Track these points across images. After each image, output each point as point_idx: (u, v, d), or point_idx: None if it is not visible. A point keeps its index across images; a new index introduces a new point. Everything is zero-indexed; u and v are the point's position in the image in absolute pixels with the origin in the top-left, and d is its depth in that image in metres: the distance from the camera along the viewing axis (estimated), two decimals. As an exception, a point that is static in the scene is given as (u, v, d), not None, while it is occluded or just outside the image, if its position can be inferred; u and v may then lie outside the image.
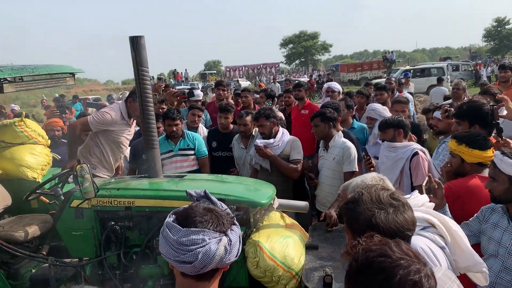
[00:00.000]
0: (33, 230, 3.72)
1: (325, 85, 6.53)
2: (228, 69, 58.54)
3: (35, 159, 4.24)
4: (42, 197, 3.53)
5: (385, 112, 4.76)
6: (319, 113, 4.14)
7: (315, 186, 4.26)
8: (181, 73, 47.78)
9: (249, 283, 3.23)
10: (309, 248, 3.34)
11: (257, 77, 50.81)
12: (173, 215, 1.55)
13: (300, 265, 3.10)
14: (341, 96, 6.05)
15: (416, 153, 3.72)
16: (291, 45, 72.39)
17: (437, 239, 1.96)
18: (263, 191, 3.39)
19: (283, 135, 4.49)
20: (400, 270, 1.16)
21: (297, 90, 6.05)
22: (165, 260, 3.21)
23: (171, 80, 44.23)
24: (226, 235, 1.49)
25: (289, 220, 3.58)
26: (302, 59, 71.56)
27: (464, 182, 2.90)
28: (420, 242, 1.86)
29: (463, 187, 2.86)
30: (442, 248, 1.92)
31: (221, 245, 1.46)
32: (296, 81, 7.19)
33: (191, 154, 4.88)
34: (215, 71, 56.82)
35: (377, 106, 4.99)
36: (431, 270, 1.25)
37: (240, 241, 1.58)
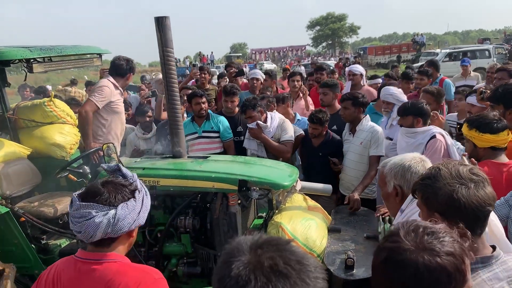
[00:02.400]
0: (62, 207, 3.83)
1: (347, 69, 6.42)
2: (253, 52, 58.28)
3: (64, 138, 4.34)
4: (70, 175, 3.61)
5: (403, 96, 4.63)
6: (351, 96, 4.07)
7: (339, 171, 4.22)
8: (207, 55, 47.79)
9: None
10: (331, 231, 3.33)
11: (283, 59, 50.39)
12: (77, 192, 1.72)
13: (322, 247, 3.10)
14: (364, 78, 5.92)
15: (433, 136, 3.61)
16: (318, 27, 71.27)
17: None
18: (286, 173, 3.39)
19: (272, 120, 4.48)
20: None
21: (318, 73, 5.96)
22: (188, 239, 3.33)
23: (197, 62, 44.32)
24: (115, 208, 1.63)
25: (312, 202, 3.57)
26: (329, 42, 70.43)
27: None
28: None
29: None
30: None
31: (105, 219, 1.61)
32: (318, 64, 7.03)
33: (215, 137, 4.86)
34: (240, 54, 56.63)
35: (394, 90, 4.82)
36: None
37: (140, 212, 1.71)
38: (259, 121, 4.32)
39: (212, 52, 49.23)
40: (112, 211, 1.62)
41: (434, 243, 1.13)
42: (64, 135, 4.36)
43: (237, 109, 5.11)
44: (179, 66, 43.42)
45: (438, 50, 34.19)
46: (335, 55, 52.29)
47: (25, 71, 3.21)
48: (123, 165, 3.21)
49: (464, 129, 2.92)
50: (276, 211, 3.39)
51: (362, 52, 41.53)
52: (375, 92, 5.78)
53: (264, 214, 3.70)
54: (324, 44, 71.71)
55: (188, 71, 34.55)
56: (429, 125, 3.68)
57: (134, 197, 1.71)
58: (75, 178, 3.62)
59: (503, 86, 3.43)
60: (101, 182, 1.71)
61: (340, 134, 4.40)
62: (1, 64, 3.93)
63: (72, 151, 4.41)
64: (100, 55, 4.08)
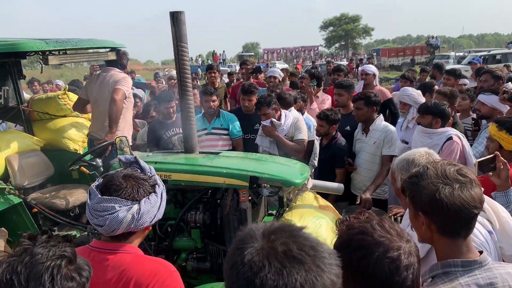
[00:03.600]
0: (74, 199, 3.86)
1: (360, 68, 6.39)
2: (266, 52, 58.22)
3: (77, 131, 4.39)
4: (82, 167, 3.64)
5: (420, 97, 4.58)
6: (364, 96, 4.03)
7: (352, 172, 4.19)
8: (219, 54, 47.89)
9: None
10: (342, 230, 3.31)
11: (295, 59, 50.27)
12: (101, 179, 1.70)
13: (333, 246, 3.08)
14: (376, 78, 5.87)
15: (450, 138, 3.58)
16: (331, 28, 71.01)
17: (486, 222, 1.92)
18: (297, 171, 3.37)
19: (286, 118, 4.45)
20: (379, 247, 1.20)
21: (336, 74, 5.93)
22: (198, 234, 3.33)
23: (209, 61, 44.45)
24: (138, 202, 1.62)
25: (323, 201, 3.54)
26: (342, 43, 70.12)
27: None
28: None
29: None
30: (490, 232, 1.87)
31: (129, 214, 1.60)
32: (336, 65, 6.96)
33: (224, 134, 4.85)
34: (253, 53, 56.66)
35: (412, 91, 4.76)
36: (415, 247, 1.27)
37: (159, 208, 1.71)
38: (273, 119, 4.31)
39: (224, 51, 49.28)
40: (136, 206, 1.61)
41: None
42: (77, 128, 4.41)
43: (255, 108, 5.08)
44: (191, 64, 43.65)
45: (452, 53, 33.92)
46: (348, 56, 52.03)
47: (40, 63, 3.23)
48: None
49: (492, 128, 2.87)
50: (287, 208, 3.38)
51: (375, 54, 41.24)
52: (388, 92, 5.74)
53: (274, 211, 3.68)
54: (337, 45, 71.41)
55: (200, 69, 34.69)
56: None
57: (155, 191, 1.70)
58: (87, 171, 3.64)
59: None
60: (122, 175, 1.68)
61: (353, 135, 4.36)
62: (16, 56, 3.98)
63: (85, 144, 4.45)
64: (114, 49, 4.10)
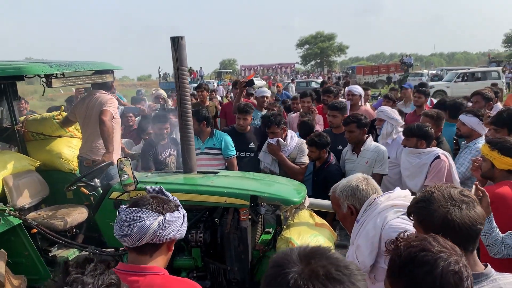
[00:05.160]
0: (71, 220, 3.87)
1: (346, 89, 6.62)
2: (243, 68, 58.69)
3: (72, 151, 4.40)
4: (82, 188, 3.67)
5: (393, 113, 4.86)
6: (355, 119, 4.22)
7: None
8: (197, 71, 47.99)
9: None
10: (338, 246, 3.45)
11: (272, 76, 50.78)
12: (125, 205, 1.83)
13: (330, 262, 3.20)
14: (362, 99, 6.11)
15: (438, 157, 3.79)
16: (307, 46, 72.32)
17: None
18: (295, 190, 3.50)
19: (292, 139, 4.62)
20: (441, 262, 1.29)
21: (326, 95, 6.13)
22: (199, 253, 3.39)
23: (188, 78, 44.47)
24: (163, 215, 1.74)
25: (318, 219, 3.68)
26: (318, 60, 71.43)
27: (497, 189, 2.96)
28: (397, 221, 2.17)
29: (498, 193, 2.91)
30: None
31: (155, 222, 1.71)
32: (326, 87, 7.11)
33: (217, 154, 4.91)
34: (231, 70, 57.00)
35: (386, 108, 5.13)
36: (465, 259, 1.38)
37: (182, 224, 1.83)
38: (279, 139, 4.45)
39: (201, 68, 49.48)
40: (161, 217, 1.73)
41: None
42: (72, 149, 4.43)
43: (249, 127, 5.21)
44: (169, 81, 43.55)
45: (425, 71, 35.00)
46: (324, 73, 52.95)
47: (43, 85, 3.29)
48: (136, 179, 3.32)
49: (485, 148, 3.07)
50: (284, 226, 3.49)
51: (350, 72, 42.15)
52: (373, 112, 5.97)
53: (271, 229, 3.79)
54: (313, 62, 72.66)
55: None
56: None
57: (178, 210, 1.83)
58: (87, 191, 3.68)
59: (507, 111, 3.61)
60: (150, 195, 1.82)
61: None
62: (15, 79, 4.02)
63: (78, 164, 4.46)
64: (112, 71, 4.18)
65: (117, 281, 1.28)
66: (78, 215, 3.99)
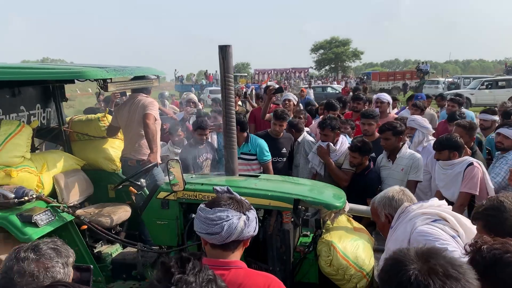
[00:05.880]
0: (117, 218, 4.04)
1: (374, 96, 6.72)
2: (257, 72, 58.81)
3: (115, 152, 4.58)
4: (131, 187, 3.83)
5: (424, 122, 4.98)
6: (391, 127, 4.33)
7: None
8: (212, 74, 48.32)
9: (319, 279, 3.48)
10: (377, 251, 3.55)
11: (286, 81, 50.87)
12: (203, 204, 1.96)
13: (371, 266, 3.32)
14: (390, 107, 6.22)
15: (471, 164, 3.88)
16: (321, 51, 72.27)
17: (447, 229, 2.30)
18: (336, 195, 3.61)
19: (342, 145, 4.73)
20: None
21: (356, 102, 6.23)
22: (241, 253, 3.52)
23: (203, 81, 44.82)
24: (244, 214, 1.89)
25: (356, 223, 3.79)
26: (332, 65, 71.31)
27: None
28: (425, 227, 2.29)
29: None
30: (453, 237, 2.25)
31: (241, 220, 1.85)
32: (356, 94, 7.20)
33: (252, 159, 5.03)
34: (246, 74, 57.19)
35: (417, 117, 5.26)
36: None
37: (256, 222, 1.96)
38: (330, 143, 4.57)
39: (216, 71, 49.71)
40: (244, 216, 1.87)
41: None
42: (115, 149, 4.61)
43: (282, 133, 5.33)
44: (185, 83, 43.94)
45: (441, 79, 34.80)
46: (338, 79, 52.91)
47: (99, 89, 3.46)
48: (184, 180, 3.47)
49: None
50: (324, 230, 3.61)
51: (365, 77, 42.05)
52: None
53: (308, 232, 3.91)
54: (327, 67, 72.57)
55: (194, 89, 34.96)
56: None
57: (252, 208, 1.97)
58: (135, 191, 3.84)
59: None
60: (226, 196, 1.96)
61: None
62: (66, 82, 4.22)
63: (121, 164, 4.64)
64: (158, 76, 4.36)
65: (214, 276, 1.37)
66: (122, 213, 4.16)
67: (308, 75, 59.50)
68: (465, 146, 4.17)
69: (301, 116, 5.97)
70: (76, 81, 3.83)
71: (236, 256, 1.92)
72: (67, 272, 1.60)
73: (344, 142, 4.78)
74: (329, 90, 30.63)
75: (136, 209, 4.34)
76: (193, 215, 3.59)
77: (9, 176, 3.41)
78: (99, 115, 4.69)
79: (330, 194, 3.63)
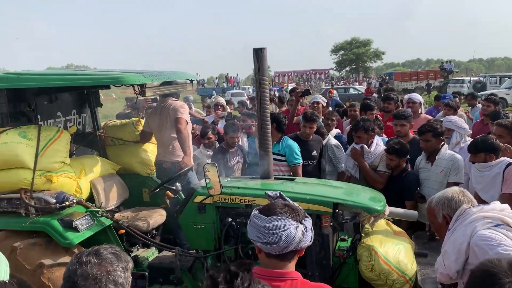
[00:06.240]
0: (153, 222, 4.06)
1: (406, 96, 6.59)
2: (277, 74, 58.80)
3: (149, 156, 4.61)
4: (168, 192, 3.84)
5: (462, 123, 4.85)
6: (431, 128, 4.23)
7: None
8: (233, 77, 48.52)
9: (359, 284, 3.41)
10: (418, 255, 3.46)
11: (306, 82, 50.68)
12: (256, 210, 1.89)
13: (413, 271, 3.23)
14: (422, 107, 6.09)
15: (510, 164, 3.75)
16: (342, 52, 71.74)
17: (510, 235, 2.20)
18: (376, 198, 3.55)
19: (377, 146, 4.64)
20: None
21: (386, 103, 6.13)
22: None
23: (224, 84, 45.03)
24: (301, 223, 1.82)
25: (395, 227, 3.71)
26: (353, 66, 70.70)
27: None
28: (487, 231, 2.20)
29: None
30: None
31: (299, 230, 1.78)
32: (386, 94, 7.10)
33: (281, 160, 4.99)
34: (266, 76, 57.23)
35: (454, 118, 5.11)
36: None
37: (312, 231, 1.89)
38: (364, 145, 4.51)
39: (237, 74, 49.95)
40: (301, 226, 1.80)
41: None
42: (149, 154, 4.64)
43: (312, 135, 5.29)
44: (206, 87, 44.23)
45: (466, 78, 34.06)
46: (359, 79, 52.41)
47: (137, 95, 3.49)
48: (221, 184, 3.45)
49: None
50: (363, 234, 3.54)
51: (387, 78, 41.54)
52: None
53: (346, 236, 3.85)
54: (348, 68, 71.98)
55: (215, 92, 35.14)
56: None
57: (307, 216, 1.90)
58: (172, 195, 3.84)
59: None
60: (281, 203, 1.88)
61: (412, 163, 4.53)
62: (101, 87, 4.27)
63: (155, 169, 4.66)
64: (191, 80, 4.37)
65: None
66: (158, 217, 4.18)
67: (329, 76, 59.16)
68: (509, 146, 4.05)
69: (333, 118, 5.89)
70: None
71: (291, 266, 1.85)
72: (127, 276, 1.59)
73: (379, 143, 4.69)
74: (351, 91, 30.36)
75: (170, 213, 4.36)
76: (230, 219, 3.59)
77: (49, 182, 3.45)
78: (133, 119, 4.73)
79: (370, 197, 3.56)
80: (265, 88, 3.74)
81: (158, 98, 5.11)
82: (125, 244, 3.90)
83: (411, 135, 4.88)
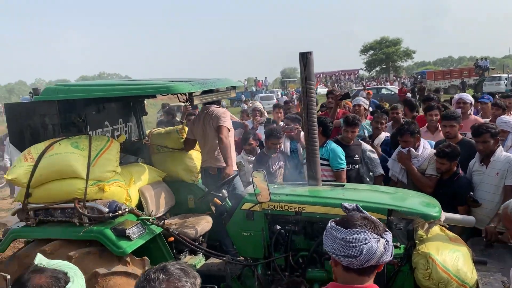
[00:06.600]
0: (201, 229, 4.07)
1: (456, 96, 6.39)
2: (306, 76, 58.35)
3: (193, 163, 4.63)
4: (216, 199, 3.84)
5: None
6: (488, 129, 4.07)
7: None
8: (262, 81, 48.57)
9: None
10: (477, 263, 3.32)
11: (335, 84, 50.17)
12: (333, 222, 1.84)
13: (474, 279, 3.09)
14: (472, 107, 5.88)
15: None
16: (371, 52, 70.70)
17: None
18: (431, 203, 3.43)
19: (424, 149, 4.50)
20: None
21: (427, 103, 5.97)
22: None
23: (253, 88, 45.11)
24: (382, 237, 1.75)
25: (451, 233, 3.57)
26: (383, 66, 69.55)
27: None
28: None
29: None
30: None
31: (380, 244, 1.72)
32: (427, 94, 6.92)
33: (325, 165, 4.89)
34: (295, 79, 57.02)
35: (509, 118, 4.92)
36: None
37: (393, 246, 1.81)
38: (411, 148, 4.41)
39: (266, 78, 49.99)
40: (383, 239, 1.74)
41: None
42: (193, 160, 4.66)
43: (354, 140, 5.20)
44: (238, 91, 44.39)
45: (504, 75, 32.88)
46: (390, 79, 51.51)
47: (184, 103, 3.50)
48: (270, 192, 3.41)
49: None
50: (417, 241, 3.42)
51: (419, 77, 40.62)
52: (482, 121, 5.72)
53: (398, 243, 3.73)
54: (378, 68, 70.87)
55: (244, 96, 35.25)
56: None
57: (387, 231, 1.82)
58: (220, 202, 3.84)
59: None
60: (359, 216, 1.84)
61: (461, 165, 4.37)
62: (146, 96, 4.32)
63: (199, 175, 4.68)
64: (234, 87, 4.37)
65: None
66: (205, 224, 4.19)
67: (358, 76, 58.43)
68: None
69: (382, 121, 5.66)
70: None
71: (371, 282, 1.80)
72: None
73: (426, 146, 4.56)
74: (383, 91, 29.83)
75: (215, 219, 4.36)
76: (279, 227, 3.55)
77: (102, 191, 3.50)
78: (177, 127, 4.77)
79: (424, 203, 3.45)
80: (311, 92, 3.69)
81: (197, 105, 5.14)
82: (174, 252, 3.91)
83: (460, 136, 4.71)
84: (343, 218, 1.86)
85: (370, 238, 1.71)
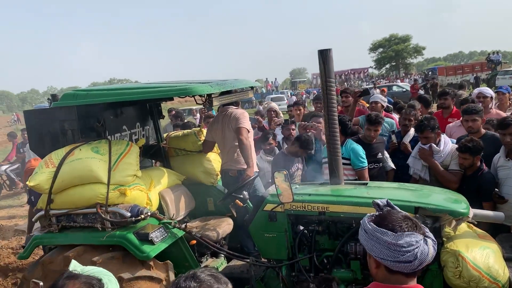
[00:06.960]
0: (222, 231, 4.04)
1: (476, 90, 6.29)
2: (315, 76, 58.31)
3: (211, 165, 4.60)
4: (237, 201, 3.80)
5: None
6: None
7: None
8: (271, 82, 48.50)
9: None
10: (508, 260, 3.23)
11: (345, 82, 49.92)
12: (372, 223, 1.72)
13: (506, 277, 3.01)
14: (493, 101, 5.77)
15: None
16: (381, 49, 70.22)
17: None
18: (458, 200, 3.35)
19: (445, 145, 4.42)
20: None
21: (442, 99, 5.88)
22: (358, 266, 3.35)
23: (263, 89, 45.06)
24: (426, 236, 1.68)
25: (479, 230, 3.49)
26: (393, 63, 69.02)
27: None
28: None
29: None
30: None
31: (430, 245, 1.65)
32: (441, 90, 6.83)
33: (346, 164, 4.77)
34: (305, 79, 56.94)
35: None
36: None
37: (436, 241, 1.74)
38: (433, 144, 4.34)
39: (276, 79, 49.90)
40: (429, 239, 1.67)
41: None
42: (211, 163, 4.63)
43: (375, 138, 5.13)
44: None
45: (515, 68, 32.37)
46: (400, 76, 51.11)
47: (204, 105, 3.48)
48: (292, 192, 3.35)
49: None
50: (445, 239, 3.35)
51: (430, 73, 40.21)
52: (503, 115, 5.61)
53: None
54: (387, 65, 70.34)
55: (254, 97, 35.18)
56: None
57: (425, 227, 1.76)
58: (241, 204, 3.80)
59: None
60: (401, 215, 1.74)
61: (485, 160, 4.27)
62: (164, 99, 4.31)
63: (218, 177, 4.65)
64: (252, 88, 4.34)
65: None
66: (226, 226, 4.15)
67: (368, 75, 58.09)
68: None
69: (411, 118, 5.51)
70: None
71: (415, 280, 1.73)
72: None
73: (447, 141, 4.47)
74: (394, 88, 29.55)
75: (236, 221, 4.33)
76: (302, 227, 3.50)
77: (123, 195, 3.48)
78: (194, 129, 4.75)
79: (452, 199, 3.37)
80: (331, 90, 3.64)
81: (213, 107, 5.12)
82: (196, 255, 3.88)
83: (483, 131, 4.61)
84: (384, 219, 1.73)
85: (419, 240, 1.64)
